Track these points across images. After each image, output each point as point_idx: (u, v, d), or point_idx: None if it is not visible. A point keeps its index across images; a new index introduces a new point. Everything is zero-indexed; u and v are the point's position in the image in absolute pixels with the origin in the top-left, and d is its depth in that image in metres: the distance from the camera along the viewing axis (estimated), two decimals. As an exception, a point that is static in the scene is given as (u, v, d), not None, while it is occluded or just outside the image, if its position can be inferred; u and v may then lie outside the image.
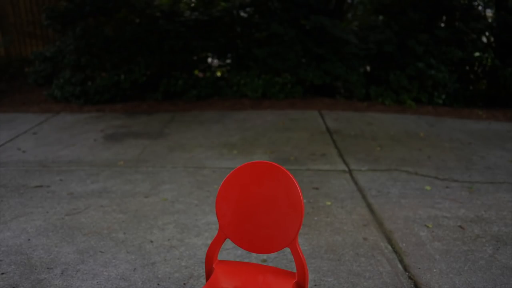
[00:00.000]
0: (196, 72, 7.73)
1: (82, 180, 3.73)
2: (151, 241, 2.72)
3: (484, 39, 7.59)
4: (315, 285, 2.28)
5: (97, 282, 2.30)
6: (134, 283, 2.29)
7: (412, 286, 2.29)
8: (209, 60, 8.10)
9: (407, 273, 2.40)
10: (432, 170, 4.00)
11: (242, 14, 7.61)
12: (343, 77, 6.94)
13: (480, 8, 7.50)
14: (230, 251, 2.59)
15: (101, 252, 2.59)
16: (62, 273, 2.37)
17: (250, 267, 1.70)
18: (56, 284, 2.27)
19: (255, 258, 2.53)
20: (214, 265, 1.67)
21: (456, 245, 2.69)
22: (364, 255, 2.57)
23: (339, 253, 2.59)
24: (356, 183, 3.68)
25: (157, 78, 7.09)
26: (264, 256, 2.55)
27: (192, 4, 7.73)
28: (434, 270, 2.42)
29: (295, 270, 1.80)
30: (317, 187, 3.59)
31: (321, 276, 2.36)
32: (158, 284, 2.28)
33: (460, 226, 2.93)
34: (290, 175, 1.56)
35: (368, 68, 7.70)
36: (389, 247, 2.67)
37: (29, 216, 3.06)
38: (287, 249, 2.46)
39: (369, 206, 3.23)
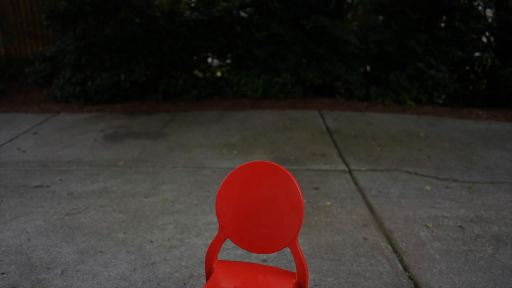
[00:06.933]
0: (196, 72, 7.73)
1: (82, 180, 3.73)
2: (151, 241, 2.72)
3: (484, 39, 7.59)
4: (315, 285, 2.28)
5: (97, 282, 2.30)
6: (134, 283, 2.29)
7: (412, 286, 2.29)
8: (209, 60, 8.09)
9: (407, 273, 2.40)
10: (432, 170, 4.00)
11: (242, 14, 7.61)
12: (343, 77, 6.93)
13: (480, 8, 7.49)
14: (230, 251, 2.59)
15: (101, 252, 2.59)
16: (62, 273, 2.37)
17: (250, 267, 1.70)
18: (56, 284, 2.27)
19: (255, 258, 2.53)
20: (214, 265, 1.67)
21: (456, 245, 2.69)
22: (364, 255, 2.57)
23: (339, 253, 2.59)
24: (356, 183, 3.68)
25: (157, 78, 7.09)
26: (264, 256, 2.55)
27: (192, 4, 7.73)
28: (434, 270, 2.42)
29: (295, 270, 1.80)
30: (317, 187, 3.59)
31: (321, 276, 2.36)
32: (158, 284, 2.28)
33: (460, 226, 2.93)
34: (290, 175, 1.56)
35: (368, 68, 7.69)
36: (389, 247, 2.67)
37: (29, 216, 3.06)
38: (287, 249, 2.46)
39: (369, 206, 3.23)
